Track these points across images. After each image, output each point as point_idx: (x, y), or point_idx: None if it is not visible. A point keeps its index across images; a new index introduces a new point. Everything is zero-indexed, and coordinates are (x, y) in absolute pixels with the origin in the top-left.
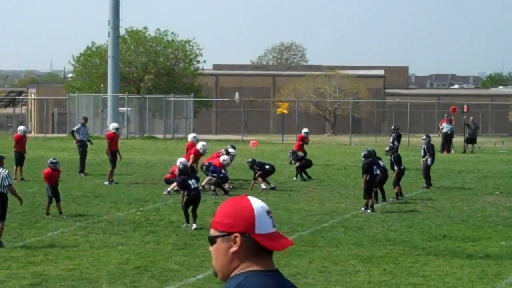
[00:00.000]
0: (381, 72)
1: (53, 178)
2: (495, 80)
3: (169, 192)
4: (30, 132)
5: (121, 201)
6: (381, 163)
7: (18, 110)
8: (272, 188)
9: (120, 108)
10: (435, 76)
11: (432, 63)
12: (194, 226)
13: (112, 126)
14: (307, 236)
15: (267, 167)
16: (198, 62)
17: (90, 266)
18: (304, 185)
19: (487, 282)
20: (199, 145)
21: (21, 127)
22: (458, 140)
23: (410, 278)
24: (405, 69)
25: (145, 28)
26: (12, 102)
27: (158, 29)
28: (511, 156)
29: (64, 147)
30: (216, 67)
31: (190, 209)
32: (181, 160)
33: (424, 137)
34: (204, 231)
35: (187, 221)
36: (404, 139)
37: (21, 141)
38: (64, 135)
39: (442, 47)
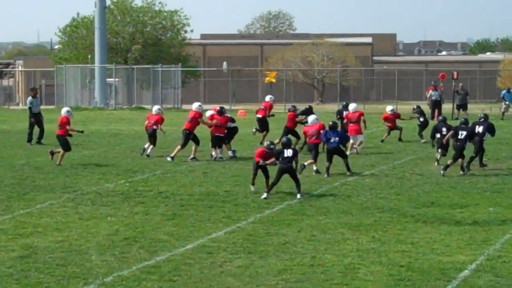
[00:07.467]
0: (368, 39)
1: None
2: (483, 46)
3: (172, 158)
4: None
5: (110, 172)
6: None
7: (5, 82)
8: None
9: (107, 79)
10: (423, 43)
11: (420, 30)
12: (265, 195)
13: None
14: (296, 205)
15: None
16: (186, 32)
17: (79, 238)
18: None
19: (475, 248)
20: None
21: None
22: (447, 107)
23: (398, 245)
24: (393, 36)
25: None
26: None
27: None
28: (499, 122)
29: (52, 119)
30: (203, 36)
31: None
32: (195, 106)
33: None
34: (192, 200)
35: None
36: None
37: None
38: (52, 106)
39: (430, 13)
